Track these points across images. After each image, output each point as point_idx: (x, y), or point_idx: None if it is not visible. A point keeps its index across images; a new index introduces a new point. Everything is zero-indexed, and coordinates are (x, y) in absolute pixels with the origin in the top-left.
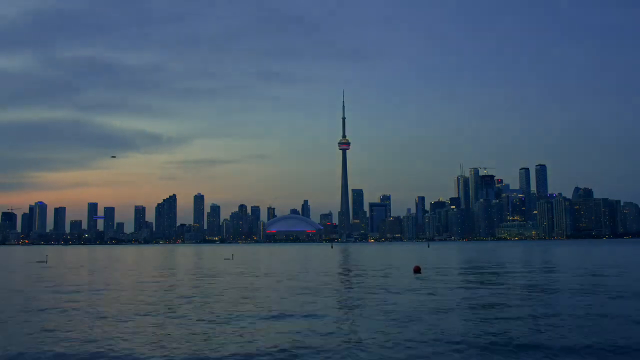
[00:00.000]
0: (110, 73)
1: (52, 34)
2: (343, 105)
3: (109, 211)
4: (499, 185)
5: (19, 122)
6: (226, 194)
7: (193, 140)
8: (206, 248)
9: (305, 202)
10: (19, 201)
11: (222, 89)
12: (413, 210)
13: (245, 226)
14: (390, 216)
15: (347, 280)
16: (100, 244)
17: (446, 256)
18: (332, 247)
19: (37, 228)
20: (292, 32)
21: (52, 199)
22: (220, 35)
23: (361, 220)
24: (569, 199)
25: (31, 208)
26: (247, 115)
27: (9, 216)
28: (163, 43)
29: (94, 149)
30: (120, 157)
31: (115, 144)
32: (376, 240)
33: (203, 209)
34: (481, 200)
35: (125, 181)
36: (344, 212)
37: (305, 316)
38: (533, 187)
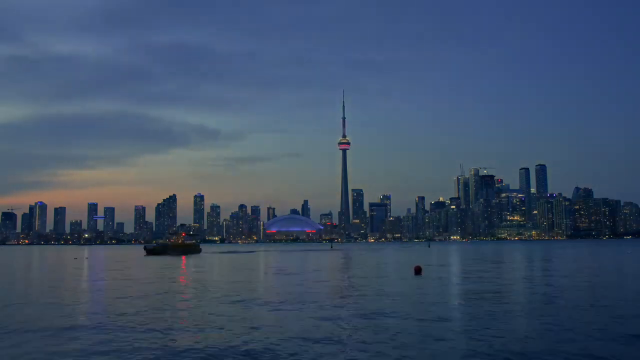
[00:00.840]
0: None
1: (136, 19)
2: (343, 105)
3: (109, 211)
4: (499, 185)
5: (74, 114)
6: (226, 193)
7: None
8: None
9: (305, 202)
10: (51, 198)
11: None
12: (413, 210)
13: (245, 226)
14: (390, 216)
15: (349, 280)
16: (100, 243)
17: (446, 256)
18: (332, 247)
19: (37, 228)
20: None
21: (75, 198)
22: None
23: (361, 220)
24: (569, 199)
25: (31, 208)
26: None
27: (9, 216)
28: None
29: (135, 144)
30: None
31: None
32: (376, 240)
33: (203, 209)
34: (481, 200)
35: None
36: (344, 212)
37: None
38: (533, 187)
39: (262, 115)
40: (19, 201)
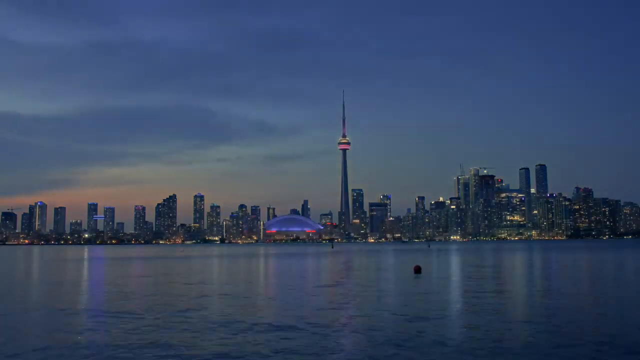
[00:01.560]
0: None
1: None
2: (343, 105)
3: (109, 211)
4: (499, 185)
5: (125, 107)
6: (226, 193)
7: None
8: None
9: (305, 202)
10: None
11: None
12: (413, 210)
13: (245, 226)
14: (390, 216)
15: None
16: (100, 244)
17: (446, 257)
18: (332, 247)
19: (37, 228)
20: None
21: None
22: None
23: (361, 220)
24: (569, 199)
25: (31, 208)
26: None
27: (9, 216)
28: None
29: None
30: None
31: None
32: (376, 240)
33: (203, 209)
34: (481, 200)
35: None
36: (344, 212)
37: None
38: (533, 187)
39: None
40: (46, 199)
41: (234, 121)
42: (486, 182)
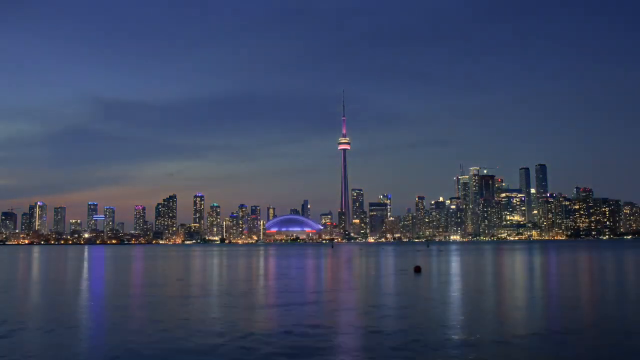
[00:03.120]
0: None
1: None
2: (343, 105)
3: (109, 211)
4: (499, 185)
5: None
6: (226, 193)
7: None
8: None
9: (305, 202)
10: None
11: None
12: (413, 210)
13: (245, 226)
14: (390, 216)
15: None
16: (100, 244)
17: (446, 257)
18: (332, 247)
19: (37, 228)
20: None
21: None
22: None
23: (361, 220)
24: (569, 199)
25: (31, 207)
26: None
27: (9, 216)
28: None
29: None
30: None
31: None
32: (376, 240)
33: (203, 209)
34: (481, 200)
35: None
36: (344, 212)
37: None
38: (533, 187)
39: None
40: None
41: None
42: (486, 182)
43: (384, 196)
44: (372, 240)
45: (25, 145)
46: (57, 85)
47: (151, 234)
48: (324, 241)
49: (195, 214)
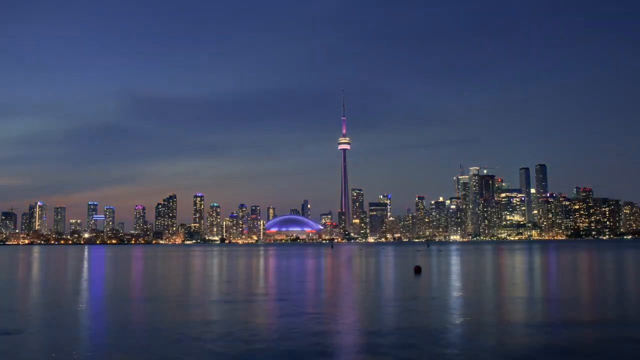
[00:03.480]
0: None
1: None
2: (343, 105)
3: (109, 211)
4: (499, 185)
5: None
6: (226, 193)
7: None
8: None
9: (305, 202)
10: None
11: None
12: (413, 210)
13: (245, 226)
14: (390, 216)
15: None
16: (100, 244)
17: (446, 257)
18: (332, 247)
19: (37, 228)
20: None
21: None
22: None
23: (361, 220)
24: (569, 199)
25: (31, 207)
26: None
27: (9, 216)
28: None
29: None
30: None
31: None
32: (376, 240)
33: (203, 209)
34: (481, 200)
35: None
36: (344, 212)
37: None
38: (533, 187)
39: None
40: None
41: None
42: (486, 182)
43: (384, 196)
44: (372, 240)
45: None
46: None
47: (151, 234)
48: (324, 241)
49: (195, 214)
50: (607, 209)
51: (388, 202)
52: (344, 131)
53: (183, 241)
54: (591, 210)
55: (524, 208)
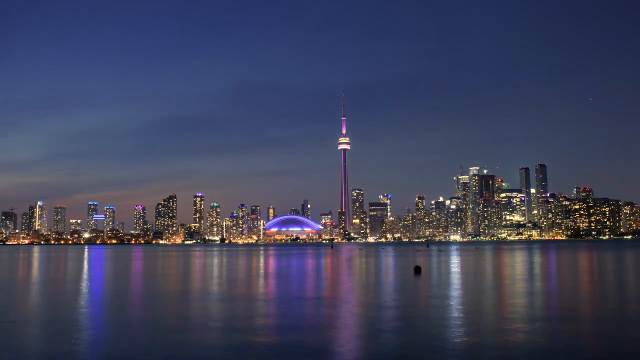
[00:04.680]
0: None
1: None
2: (343, 105)
3: (109, 211)
4: (499, 185)
5: None
6: (226, 193)
7: None
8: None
9: (305, 202)
10: None
11: None
12: (413, 210)
13: (245, 226)
14: (390, 216)
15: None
16: (100, 244)
17: (446, 258)
18: (332, 247)
19: (37, 227)
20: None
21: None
22: None
23: (361, 220)
24: (569, 199)
25: (31, 207)
26: None
27: (9, 216)
28: None
29: None
30: None
31: None
32: (376, 240)
33: (203, 209)
34: (481, 200)
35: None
36: (344, 212)
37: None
38: (533, 187)
39: None
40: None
41: None
42: (486, 182)
43: (384, 196)
44: (372, 240)
45: None
46: None
47: (151, 234)
48: (324, 241)
49: (195, 214)
50: (607, 209)
51: (388, 202)
52: (344, 131)
53: (183, 241)
54: (591, 210)
55: (524, 208)
